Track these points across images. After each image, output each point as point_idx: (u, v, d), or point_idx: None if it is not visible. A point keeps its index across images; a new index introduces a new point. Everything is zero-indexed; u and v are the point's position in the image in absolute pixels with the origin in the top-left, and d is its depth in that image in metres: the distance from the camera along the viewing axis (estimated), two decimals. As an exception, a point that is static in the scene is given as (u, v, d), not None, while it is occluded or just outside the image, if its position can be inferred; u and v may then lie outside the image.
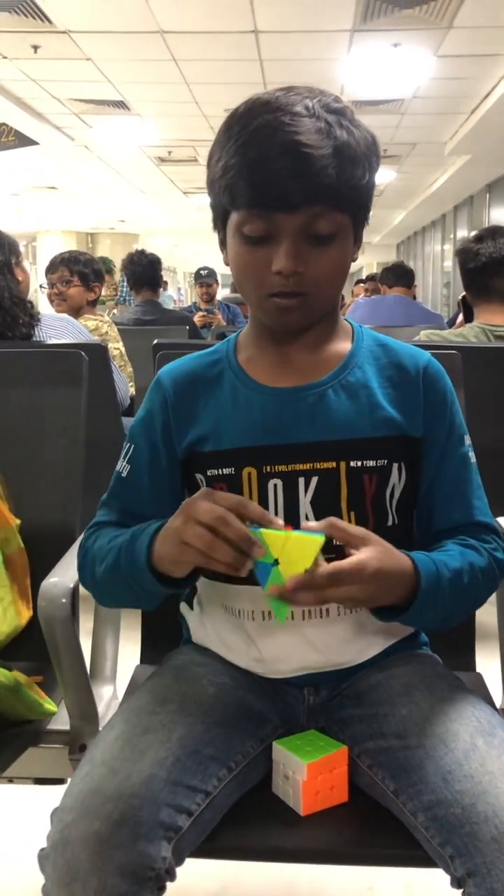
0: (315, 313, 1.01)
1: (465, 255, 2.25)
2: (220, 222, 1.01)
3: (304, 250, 0.93)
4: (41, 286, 3.50)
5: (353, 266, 1.08)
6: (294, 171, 0.89)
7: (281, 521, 0.87)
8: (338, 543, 0.89)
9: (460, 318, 2.72)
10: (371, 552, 0.88)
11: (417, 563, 0.93)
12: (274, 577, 0.85)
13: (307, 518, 1.00)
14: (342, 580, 0.85)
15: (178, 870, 0.86)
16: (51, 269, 3.37)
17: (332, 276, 0.97)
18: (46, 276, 3.41)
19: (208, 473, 1.04)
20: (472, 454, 1.08)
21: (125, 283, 5.22)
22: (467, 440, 1.08)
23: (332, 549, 0.89)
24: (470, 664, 1.36)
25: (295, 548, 0.84)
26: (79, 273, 3.31)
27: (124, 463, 1.07)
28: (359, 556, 0.87)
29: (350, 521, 1.00)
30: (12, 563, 1.33)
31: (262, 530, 0.85)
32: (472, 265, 2.24)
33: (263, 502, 1.00)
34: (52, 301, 3.39)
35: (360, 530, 0.90)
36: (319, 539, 0.85)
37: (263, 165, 0.90)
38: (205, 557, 0.85)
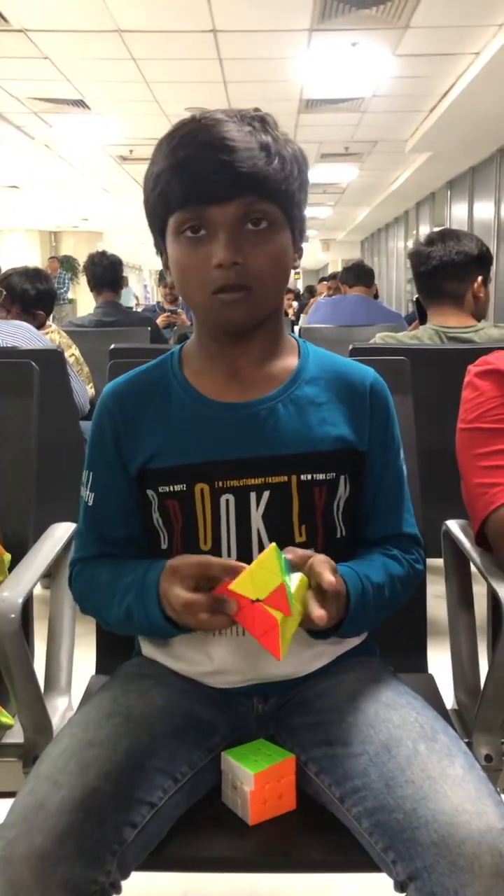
0: (259, 310, 1.01)
1: (416, 259, 2.27)
2: (160, 240, 1.02)
3: (241, 242, 0.95)
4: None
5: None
6: (222, 163, 0.92)
7: (244, 565, 0.89)
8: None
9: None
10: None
11: (349, 587, 0.96)
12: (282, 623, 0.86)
13: (259, 533, 1.01)
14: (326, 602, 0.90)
15: (139, 877, 0.87)
16: None
17: (272, 270, 0.98)
18: None
19: (160, 490, 1.04)
20: (404, 467, 1.12)
21: (62, 279, 5.04)
22: (402, 454, 1.12)
23: None
24: (421, 666, 1.38)
25: (260, 575, 0.86)
26: (20, 297, 2.93)
27: (87, 491, 1.08)
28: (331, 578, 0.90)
29: (300, 535, 1.02)
30: None
31: (229, 587, 0.87)
32: (423, 269, 2.26)
33: (216, 517, 1.01)
34: None
35: (309, 554, 0.93)
36: (272, 547, 0.87)
37: (192, 163, 0.93)
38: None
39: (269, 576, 0.85)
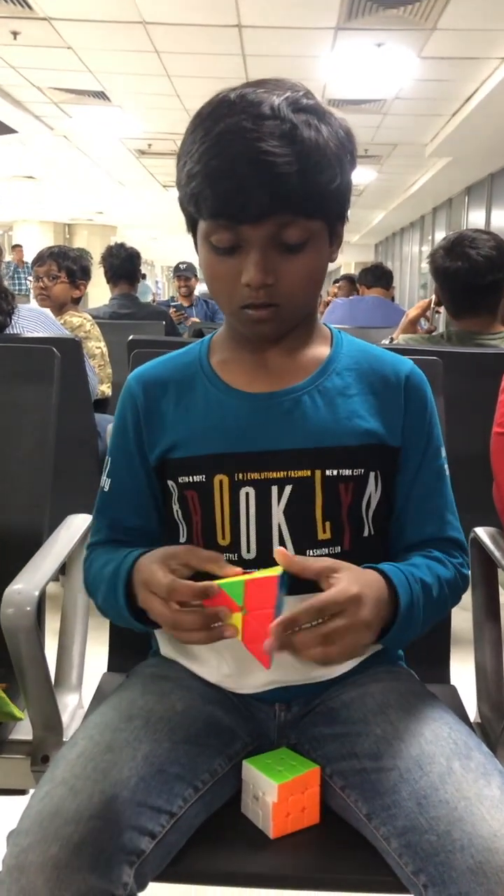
0: (289, 322, 0.98)
1: (459, 276, 2.14)
2: (190, 227, 0.97)
3: (273, 260, 0.90)
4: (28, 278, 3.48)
5: (331, 265, 1.03)
6: (257, 181, 0.85)
7: (237, 569, 0.86)
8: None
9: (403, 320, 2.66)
10: (347, 578, 0.86)
11: (395, 582, 0.91)
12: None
13: (280, 528, 0.97)
14: (329, 610, 0.83)
15: (155, 888, 0.84)
16: (38, 261, 3.30)
17: (304, 285, 0.94)
18: (33, 267, 3.35)
19: (179, 480, 1.01)
20: (446, 467, 1.06)
21: (19, 274, 5.13)
22: (443, 453, 1.06)
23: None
24: (444, 676, 1.34)
25: (257, 591, 0.83)
26: (66, 269, 3.24)
27: (105, 477, 1.07)
28: (338, 584, 0.85)
29: (324, 532, 0.97)
30: None
31: (218, 581, 0.84)
32: (465, 286, 2.14)
33: (235, 511, 0.97)
34: (36, 296, 3.31)
35: (321, 560, 0.88)
36: (277, 570, 0.84)
37: (226, 175, 0.85)
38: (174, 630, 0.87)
39: (263, 597, 0.83)
